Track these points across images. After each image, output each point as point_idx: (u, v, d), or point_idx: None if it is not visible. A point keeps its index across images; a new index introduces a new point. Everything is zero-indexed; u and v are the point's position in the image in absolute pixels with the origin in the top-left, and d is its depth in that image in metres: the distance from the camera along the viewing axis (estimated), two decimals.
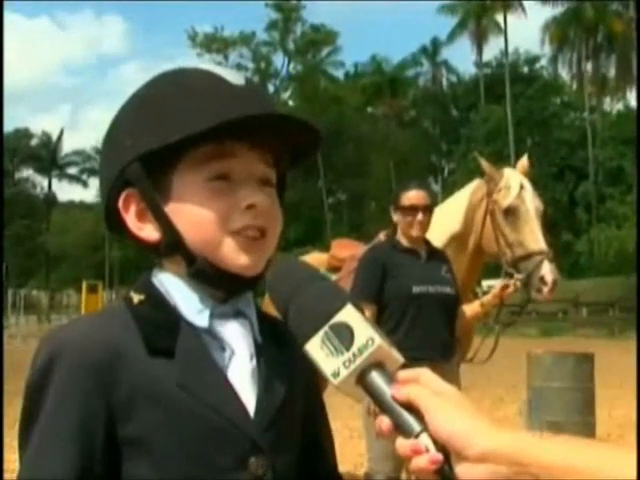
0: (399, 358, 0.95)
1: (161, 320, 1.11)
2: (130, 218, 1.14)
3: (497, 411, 9.91)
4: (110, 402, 1.04)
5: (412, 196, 4.16)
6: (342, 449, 7.35)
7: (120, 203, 1.14)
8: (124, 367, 1.05)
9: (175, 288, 1.14)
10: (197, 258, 1.11)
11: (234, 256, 1.10)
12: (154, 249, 1.15)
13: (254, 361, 1.14)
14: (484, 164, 4.75)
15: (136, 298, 1.14)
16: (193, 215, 1.10)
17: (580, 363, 5.93)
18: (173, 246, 1.12)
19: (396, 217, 4.21)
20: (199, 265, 1.11)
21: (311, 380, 1.27)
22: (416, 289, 4.04)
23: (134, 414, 1.04)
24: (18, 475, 1.03)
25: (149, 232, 1.13)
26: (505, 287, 4.24)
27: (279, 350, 1.18)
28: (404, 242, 4.19)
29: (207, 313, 1.12)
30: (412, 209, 4.13)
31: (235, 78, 1.13)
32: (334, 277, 4.80)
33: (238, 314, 1.16)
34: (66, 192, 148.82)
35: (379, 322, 3.84)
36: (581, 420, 5.49)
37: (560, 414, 5.46)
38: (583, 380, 5.85)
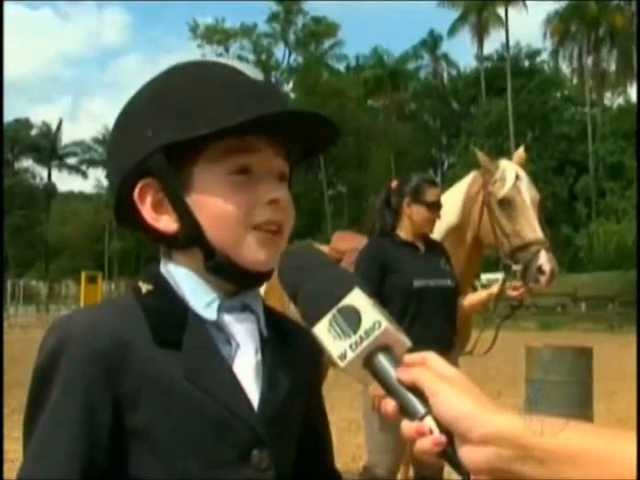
0: (406, 341, 0.96)
1: (169, 311, 1.11)
2: (146, 209, 1.13)
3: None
4: (116, 392, 1.04)
5: (434, 193, 4.14)
6: (340, 441, 7.35)
7: (136, 193, 1.13)
8: (131, 357, 1.05)
9: (184, 280, 1.14)
10: (216, 252, 1.11)
11: (254, 251, 1.11)
12: (168, 241, 1.15)
13: (259, 355, 1.14)
14: (480, 156, 4.75)
15: (144, 288, 1.14)
16: (215, 208, 1.10)
17: (579, 357, 5.92)
18: (193, 238, 1.12)
19: (412, 210, 4.14)
20: (218, 259, 1.11)
21: (314, 375, 1.29)
22: (417, 283, 4.01)
23: (140, 404, 1.05)
24: (23, 462, 1.03)
25: (166, 223, 1.13)
26: (514, 288, 4.24)
27: (284, 345, 1.19)
28: (403, 235, 4.16)
29: (215, 306, 1.12)
30: (437, 206, 4.13)
31: (254, 73, 1.14)
32: None
33: (245, 308, 1.16)
34: (65, 183, 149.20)
35: None
36: (579, 414, 5.48)
37: (558, 408, 5.45)
38: (581, 374, 5.84)
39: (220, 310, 1.13)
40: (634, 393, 6.46)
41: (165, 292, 1.14)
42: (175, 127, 1.09)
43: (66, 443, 1.01)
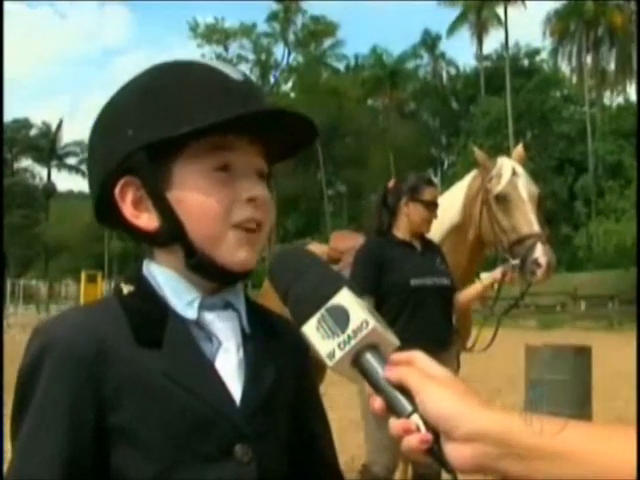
0: (394, 341, 0.98)
1: (150, 311, 1.13)
2: (126, 206, 1.15)
3: (495, 403, 9.89)
4: (99, 392, 1.06)
5: (431, 192, 4.17)
6: (340, 440, 7.34)
7: (117, 191, 1.14)
8: (112, 358, 1.07)
9: (165, 280, 1.15)
10: (197, 250, 1.12)
11: (233, 250, 1.12)
12: (149, 238, 1.17)
13: (241, 352, 1.16)
14: (478, 154, 4.77)
15: (126, 289, 1.16)
16: (196, 204, 1.11)
17: (578, 356, 5.91)
18: (173, 236, 1.13)
19: (409, 209, 4.16)
20: (199, 257, 1.12)
21: (303, 369, 1.29)
22: (414, 282, 4.03)
23: (122, 404, 1.06)
24: (10, 464, 1.05)
25: (146, 221, 1.14)
26: (504, 274, 4.23)
27: (268, 341, 1.20)
28: (402, 235, 4.17)
29: (196, 305, 1.14)
30: (433, 205, 4.14)
31: (234, 73, 1.16)
32: (334, 268, 4.78)
33: (227, 306, 1.18)
34: (65, 182, 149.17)
35: None
36: (578, 413, 5.48)
37: (558, 406, 5.45)
38: (580, 373, 5.83)
39: (201, 308, 1.14)
40: (634, 392, 6.46)
41: (146, 292, 1.15)
42: (156, 126, 1.11)
43: (50, 444, 1.03)
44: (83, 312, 1.19)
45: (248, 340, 1.17)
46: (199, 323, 1.14)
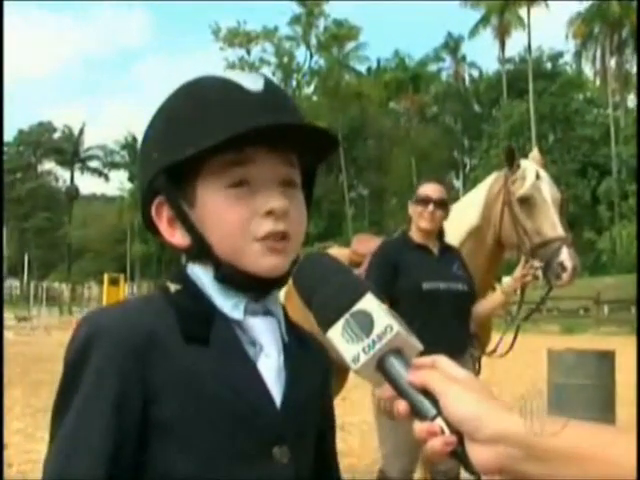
0: (417, 345, 0.99)
1: (197, 309, 1.15)
2: (162, 225, 1.18)
3: (516, 408, 9.84)
4: (144, 384, 1.07)
5: (427, 188, 4.16)
6: (361, 444, 7.35)
7: (153, 212, 1.18)
8: (159, 351, 1.08)
9: (211, 282, 1.17)
10: (222, 264, 1.14)
11: (258, 261, 1.14)
12: (184, 253, 1.20)
13: (281, 358, 1.17)
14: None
15: (173, 287, 1.18)
16: (216, 222, 1.13)
17: (601, 361, 5.89)
18: (201, 252, 1.16)
19: (410, 209, 4.20)
20: (224, 270, 1.15)
21: (325, 382, 1.32)
22: (426, 285, 4.01)
23: (166, 397, 1.07)
24: (52, 450, 1.05)
25: (179, 238, 1.18)
26: (524, 275, 4.20)
27: (302, 351, 1.22)
28: (416, 238, 4.17)
29: (242, 307, 1.16)
30: (425, 200, 4.12)
31: (253, 84, 1.16)
32: (355, 272, 4.78)
33: (267, 313, 1.19)
34: (88, 185, 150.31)
35: None
36: (601, 418, 5.45)
37: (580, 412, 5.42)
38: (604, 378, 5.81)
39: (245, 313, 1.16)
40: None
41: (193, 291, 1.17)
42: (172, 148, 1.14)
43: (97, 429, 1.04)
44: (129, 305, 1.23)
45: (286, 347, 1.19)
46: (242, 326, 1.16)
